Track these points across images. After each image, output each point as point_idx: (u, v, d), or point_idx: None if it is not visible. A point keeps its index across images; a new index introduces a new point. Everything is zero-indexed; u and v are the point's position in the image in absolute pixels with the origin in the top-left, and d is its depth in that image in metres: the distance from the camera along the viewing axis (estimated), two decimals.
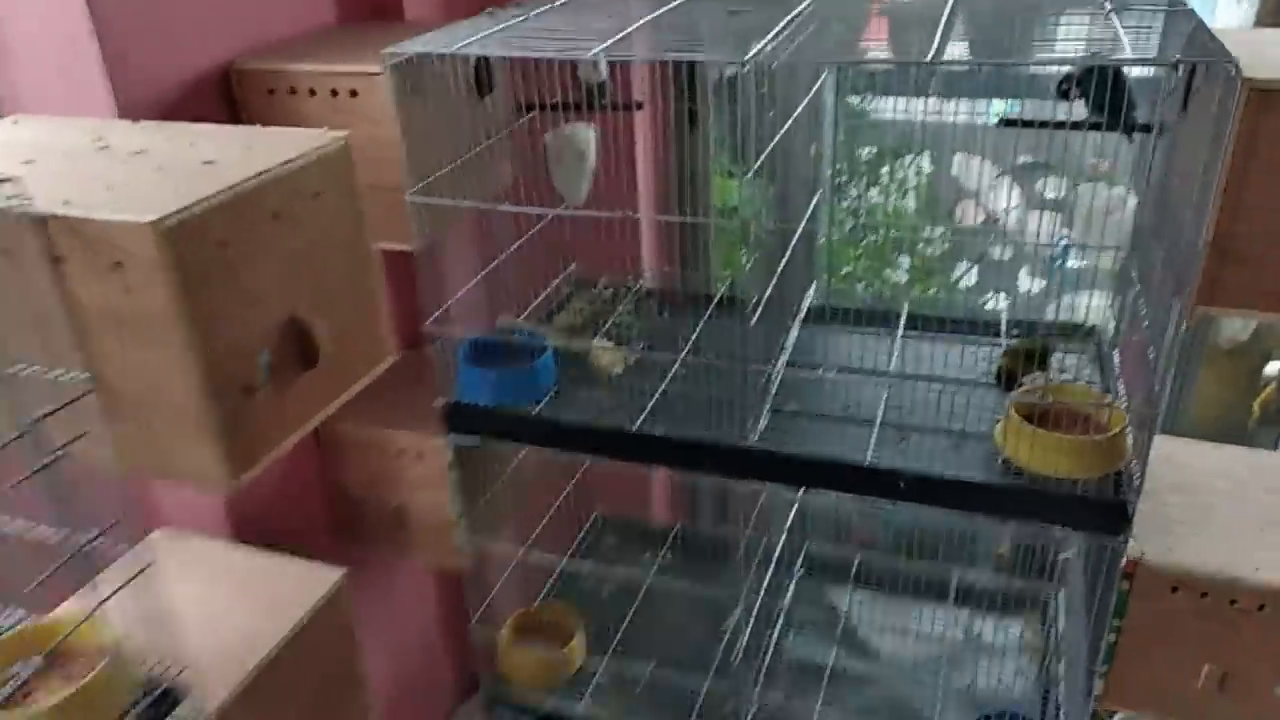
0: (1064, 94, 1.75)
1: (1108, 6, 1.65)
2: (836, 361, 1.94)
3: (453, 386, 1.85)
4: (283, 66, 1.68)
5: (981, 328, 2.04)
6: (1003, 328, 2.01)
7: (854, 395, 1.83)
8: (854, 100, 2.56)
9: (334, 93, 1.67)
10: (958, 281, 3.77)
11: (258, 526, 1.96)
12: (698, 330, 2.02)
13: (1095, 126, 1.77)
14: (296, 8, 1.85)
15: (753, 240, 1.64)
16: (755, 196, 1.69)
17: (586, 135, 2.07)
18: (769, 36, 1.52)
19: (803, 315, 2.10)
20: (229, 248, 1.24)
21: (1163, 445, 1.83)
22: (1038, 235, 1.72)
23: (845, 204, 2.71)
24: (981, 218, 3.94)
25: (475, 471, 1.99)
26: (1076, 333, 2.01)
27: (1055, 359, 1.82)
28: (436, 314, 1.78)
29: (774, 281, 1.74)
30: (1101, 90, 1.59)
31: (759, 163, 1.55)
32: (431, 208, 1.72)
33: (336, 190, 1.44)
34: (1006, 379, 1.76)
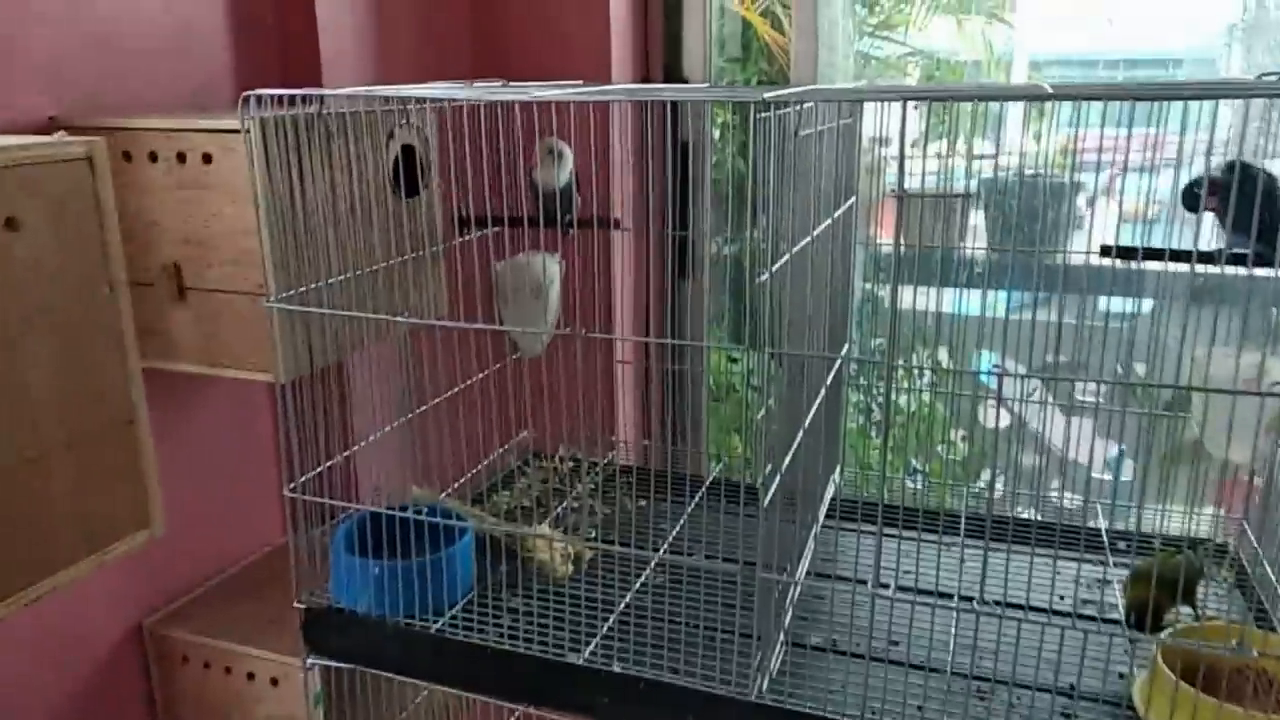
0: (1192, 204, 1.26)
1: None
2: (872, 573, 1.35)
3: (324, 583, 1.26)
4: (114, 123, 1.19)
5: (1068, 536, 1.47)
6: (1104, 537, 1.43)
7: (904, 625, 1.22)
8: (868, 286, 2.12)
9: (181, 158, 1.18)
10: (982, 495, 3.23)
11: None
12: (681, 521, 1.44)
13: (1237, 260, 1.26)
14: (173, 62, 1.39)
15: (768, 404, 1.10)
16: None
17: (549, 267, 1.57)
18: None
19: (825, 509, 1.52)
20: None
21: None
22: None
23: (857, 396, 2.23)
24: (1005, 420, 3.44)
25: (355, 709, 1.37)
26: (1201, 550, 1.43)
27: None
28: (304, 477, 1.21)
29: (791, 454, 1.18)
30: (1248, 201, 1.09)
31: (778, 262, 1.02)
32: (313, 326, 1.18)
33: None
34: (1137, 615, 1.16)
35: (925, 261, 1.66)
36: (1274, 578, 1.32)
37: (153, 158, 1.19)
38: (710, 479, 1.61)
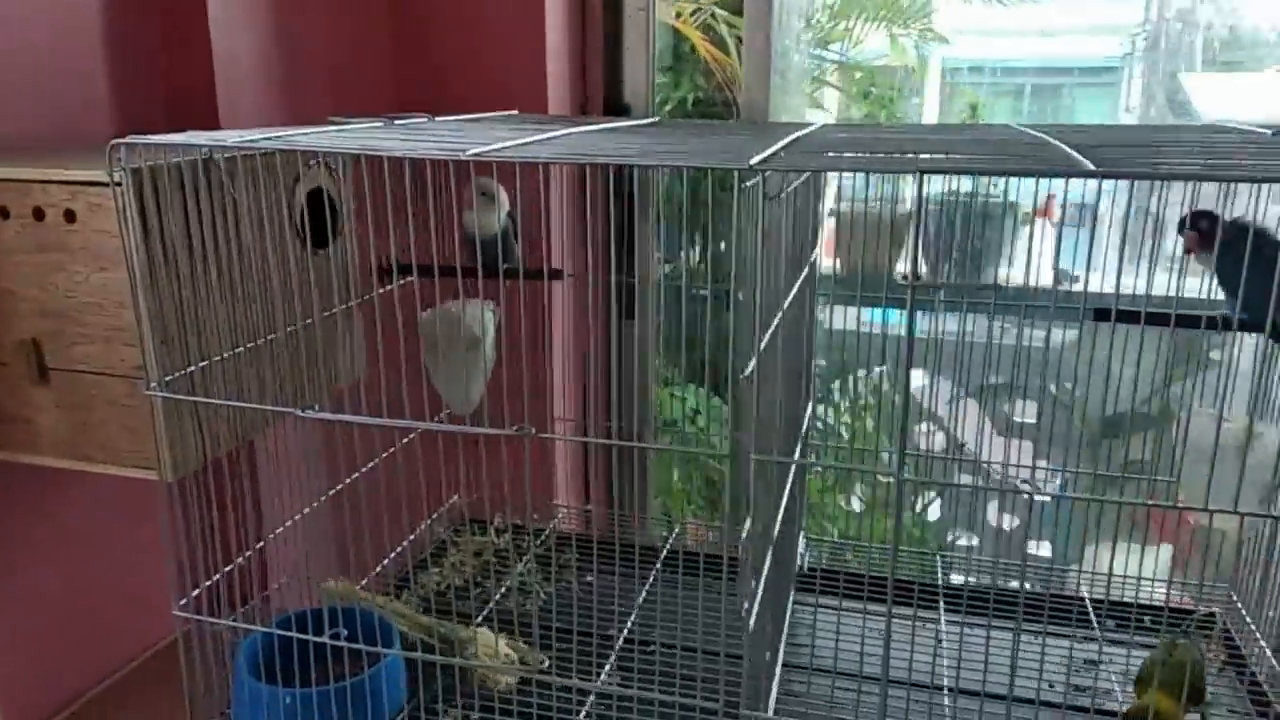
0: (1190, 246, 1.15)
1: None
2: (854, 661, 1.20)
3: (224, 710, 1.06)
4: None
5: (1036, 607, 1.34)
6: (1090, 612, 1.30)
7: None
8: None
9: (38, 214, 0.96)
10: (922, 513, 3.14)
11: None
12: (635, 607, 1.27)
13: (1251, 326, 1.15)
14: (35, 96, 1.16)
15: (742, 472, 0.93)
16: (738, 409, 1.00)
17: (482, 316, 1.39)
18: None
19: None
20: None
21: None
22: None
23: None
24: (941, 443, 3.37)
25: None
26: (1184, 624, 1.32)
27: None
28: (197, 590, 1.00)
29: (776, 532, 1.02)
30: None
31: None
32: (206, 411, 0.98)
33: None
34: None
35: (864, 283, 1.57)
36: (1270, 655, 1.22)
37: (3, 213, 0.97)
38: (664, 549, 1.44)
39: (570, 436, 1.03)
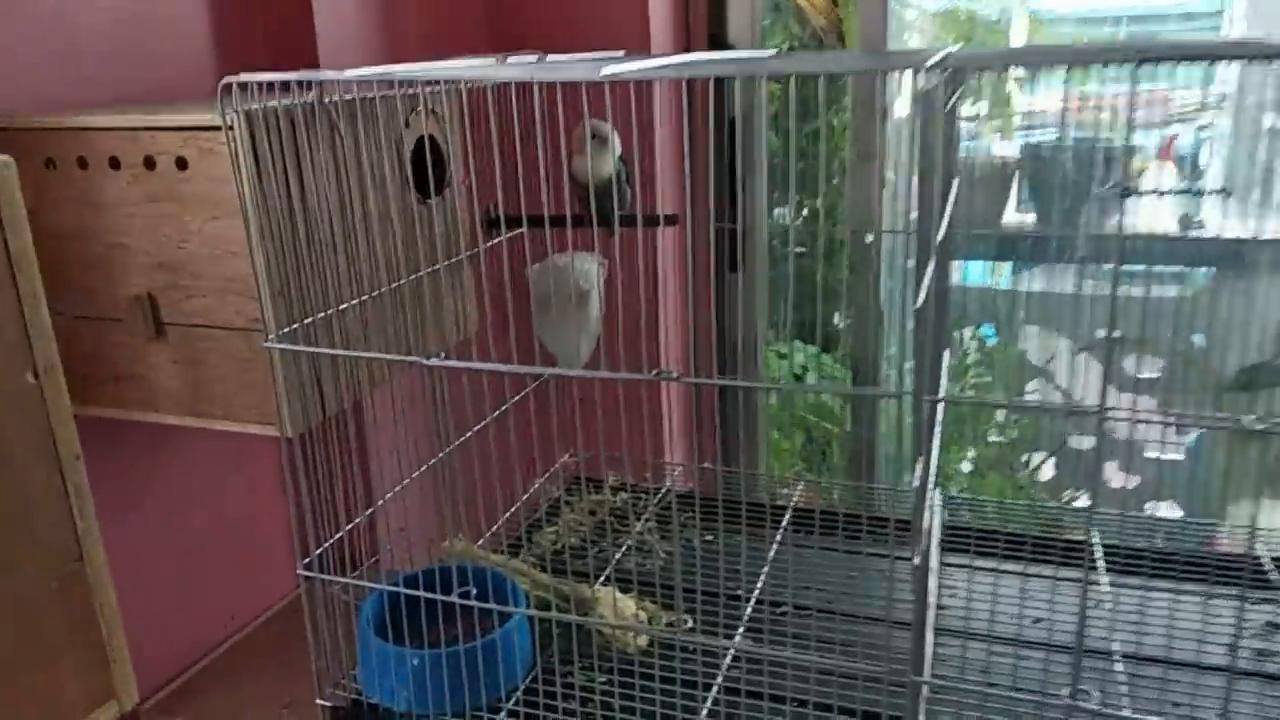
0: None
1: None
2: (1008, 625, 1.11)
3: (351, 670, 1.02)
4: (60, 122, 0.93)
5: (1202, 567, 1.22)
6: (1268, 569, 1.18)
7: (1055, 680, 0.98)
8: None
9: (149, 163, 0.92)
10: (1033, 473, 2.99)
11: None
12: (766, 565, 1.20)
13: None
14: (139, 46, 1.13)
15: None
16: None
17: (589, 269, 1.32)
18: None
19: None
20: None
21: None
22: None
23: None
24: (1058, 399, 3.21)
25: None
26: None
27: None
28: (320, 549, 0.96)
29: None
30: None
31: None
32: (324, 366, 0.94)
33: None
34: None
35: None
36: None
37: (114, 164, 0.94)
38: (790, 508, 1.36)
39: (714, 380, 0.96)
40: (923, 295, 0.73)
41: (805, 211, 2.25)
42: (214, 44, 1.21)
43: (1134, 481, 2.61)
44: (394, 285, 1.03)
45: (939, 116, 0.65)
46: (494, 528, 1.30)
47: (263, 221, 0.88)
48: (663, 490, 1.43)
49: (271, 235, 0.89)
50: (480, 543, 1.24)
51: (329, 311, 0.95)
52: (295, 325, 0.92)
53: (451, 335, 1.21)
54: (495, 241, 1.27)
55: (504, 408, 1.15)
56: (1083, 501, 2.69)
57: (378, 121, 1.01)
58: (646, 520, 1.37)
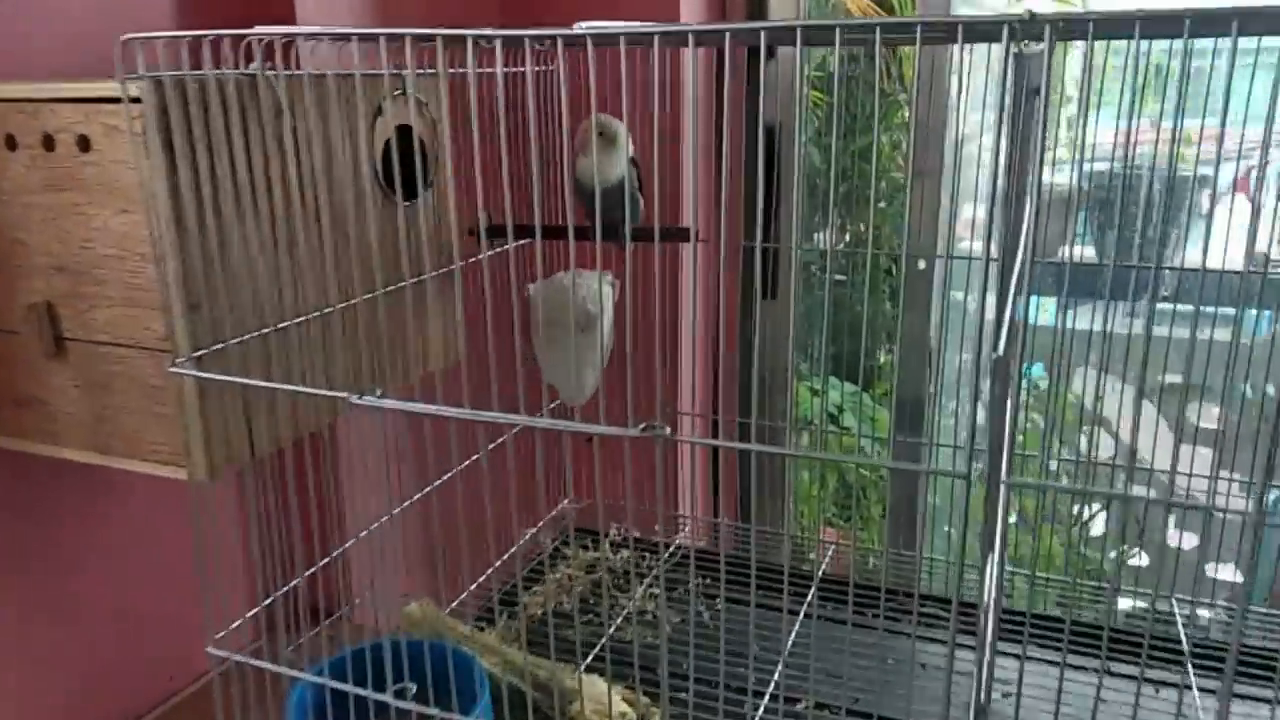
0: None
1: None
2: None
3: None
4: None
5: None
6: None
7: None
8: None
9: (48, 142, 0.75)
10: (1084, 525, 2.76)
11: None
12: (788, 648, 1.00)
13: None
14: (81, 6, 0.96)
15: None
16: None
17: (597, 289, 1.14)
18: None
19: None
20: None
21: None
22: None
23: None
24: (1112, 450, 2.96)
25: None
26: None
27: None
28: (236, 623, 0.78)
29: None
30: None
31: None
32: (255, 396, 0.76)
33: None
34: None
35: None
36: None
37: (10, 143, 0.77)
38: (816, 574, 1.16)
39: (722, 441, 0.78)
40: (1003, 339, 0.54)
41: (848, 236, 2.06)
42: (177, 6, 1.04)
43: (1191, 541, 2.35)
44: (351, 302, 0.85)
45: (1041, 80, 0.46)
46: (473, 585, 1.12)
47: (177, 216, 0.71)
48: (671, 547, 1.24)
49: (187, 233, 0.72)
50: (453, 605, 1.05)
51: (264, 330, 0.78)
52: (215, 346, 0.74)
53: (435, 361, 1.03)
54: (488, 254, 1.10)
55: (474, 458, 0.97)
56: (1144, 563, 2.45)
57: (343, 102, 0.83)
58: (649, 585, 1.18)
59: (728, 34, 0.60)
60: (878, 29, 0.58)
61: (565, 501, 1.29)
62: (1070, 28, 0.48)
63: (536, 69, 1.16)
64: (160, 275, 0.72)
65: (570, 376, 1.17)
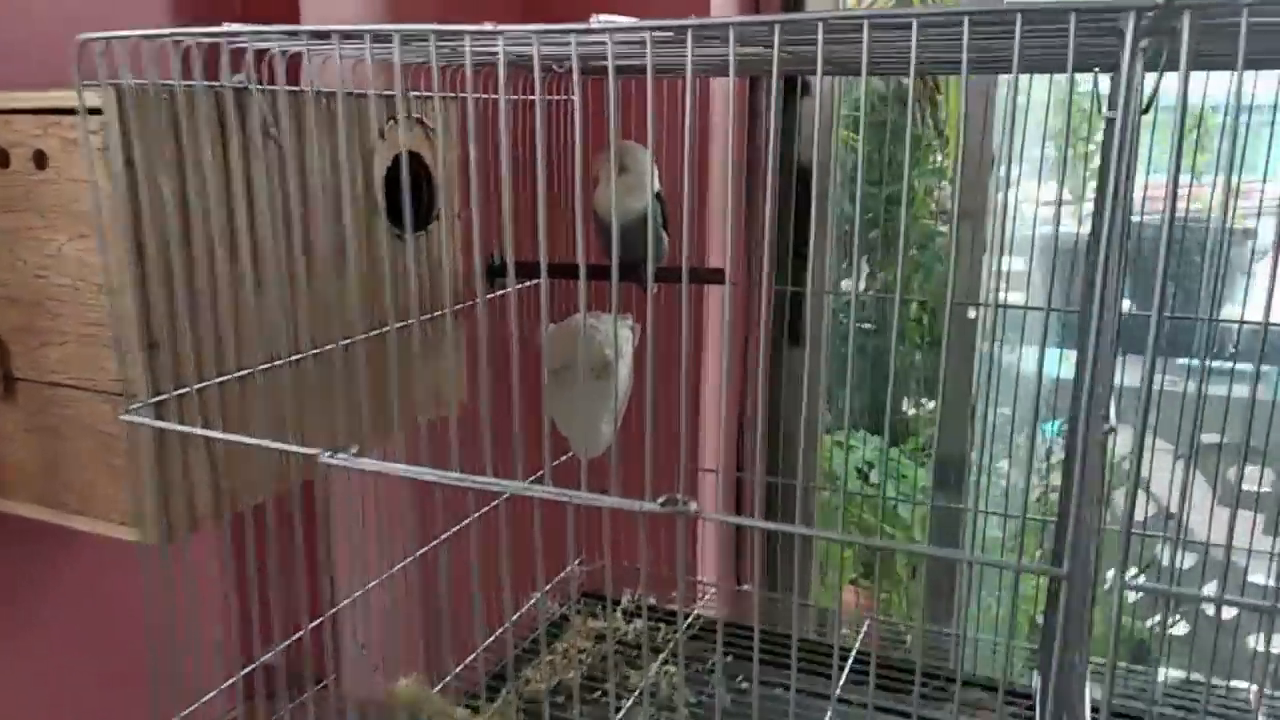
0: None
1: None
2: None
3: None
4: None
5: None
6: None
7: None
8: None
9: (2, 159, 0.66)
10: (1121, 593, 2.60)
11: None
12: None
13: None
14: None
15: None
16: None
17: (616, 334, 1.05)
18: None
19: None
20: None
21: None
22: None
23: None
24: (1152, 510, 2.83)
25: None
26: None
27: None
28: (191, 707, 0.68)
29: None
30: None
31: None
32: (221, 450, 0.66)
33: None
34: None
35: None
36: None
37: None
38: (853, 652, 1.05)
39: (750, 520, 0.67)
40: (1113, 413, 0.44)
41: (877, 282, 1.96)
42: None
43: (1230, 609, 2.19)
44: (340, 344, 0.76)
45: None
46: (469, 659, 1.01)
47: (138, 242, 0.62)
48: (689, 617, 1.13)
49: (148, 263, 0.63)
50: (446, 681, 0.95)
51: (235, 375, 0.69)
52: (177, 391, 0.65)
53: (425, 411, 0.94)
54: (500, 293, 1.01)
55: (466, 521, 0.87)
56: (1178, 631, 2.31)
57: (344, 123, 0.75)
58: (665, 660, 1.07)
59: (731, 28, 0.50)
60: (914, 21, 0.48)
61: (574, 563, 1.19)
62: (1214, 11, 0.38)
63: (554, 98, 1.08)
64: (115, 309, 0.63)
65: (583, 428, 1.07)
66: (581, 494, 0.54)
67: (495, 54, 0.52)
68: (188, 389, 0.66)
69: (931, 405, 2.00)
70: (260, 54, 0.60)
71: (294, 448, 0.60)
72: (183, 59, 0.61)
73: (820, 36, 0.50)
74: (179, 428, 0.63)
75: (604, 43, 0.50)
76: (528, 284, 1.03)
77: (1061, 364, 1.25)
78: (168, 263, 0.64)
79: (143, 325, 0.63)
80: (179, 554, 0.66)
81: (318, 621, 0.83)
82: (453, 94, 0.89)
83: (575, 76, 0.52)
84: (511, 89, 1.01)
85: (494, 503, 0.84)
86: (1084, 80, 0.94)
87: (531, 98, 1.02)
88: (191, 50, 0.60)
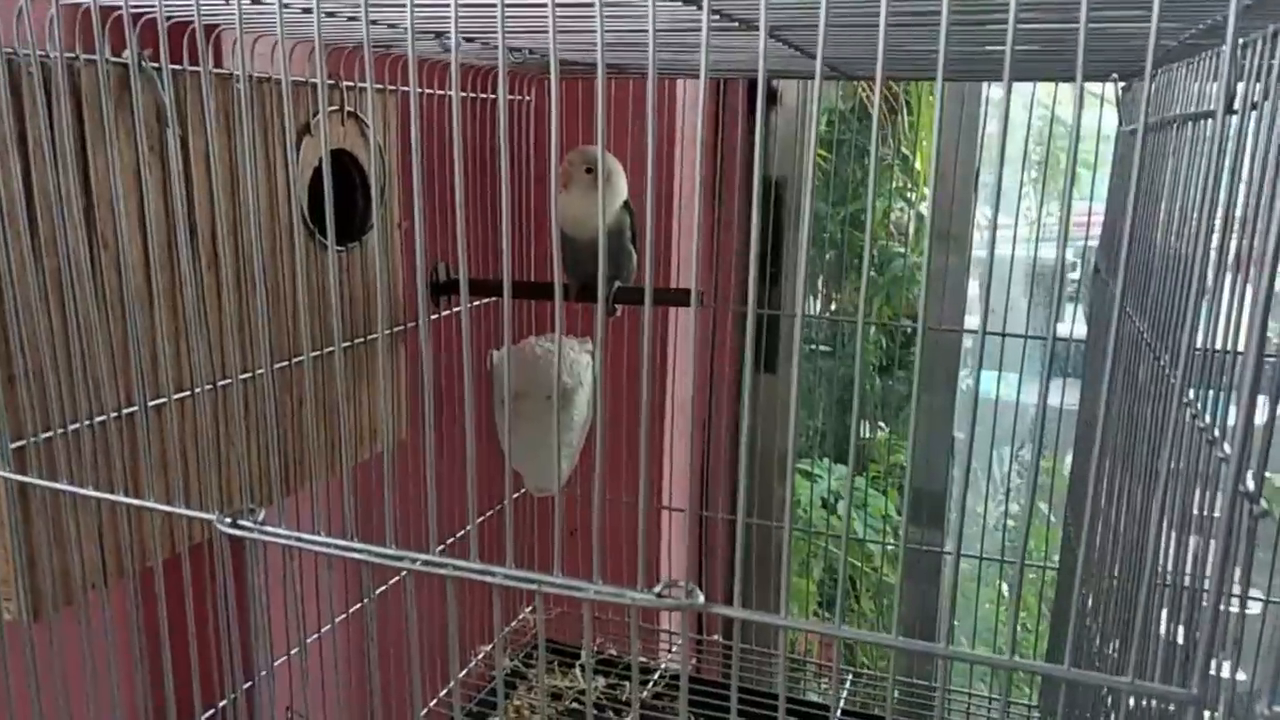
0: None
1: None
2: None
3: None
4: None
5: None
6: None
7: None
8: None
9: None
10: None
11: None
12: None
13: None
14: None
15: None
16: None
17: (573, 359, 0.95)
18: None
19: None
20: None
21: None
22: None
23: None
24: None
25: None
26: None
27: None
28: None
29: None
30: None
31: None
32: (97, 504, 0.53)
33: None
34: None
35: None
36: None
37: None
38: (837, 710, 0.94)
39: (739, 612, 0.57)
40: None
41: (833, 305, 1.87)
42: None
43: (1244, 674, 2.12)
44: (253, 374, 0.64)
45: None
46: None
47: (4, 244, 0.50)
48: (655, 674, 1.01)
49: (11, 271, 0.50)
50: None
51: (121, 412, 0.56)
52: (46, 435, 0.52)
53: (363, 442, 0.82)
54: (443, 314, 0.89)
55: (377, 593, 0.74)
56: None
57: (255, 113, 0.63)
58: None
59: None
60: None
61: (527, 610, 1.07)
62: None
63: (515, 98, 0.97)
64: None
65: (538, 461, 0.96)
66: (554, 579, 0.42)
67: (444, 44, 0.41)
68: (62, 430, 0.53)
69: (889, 430, 1.92)
70: (179, 29, 0.48)
71: (183, 510, 0.47)
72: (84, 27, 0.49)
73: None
74: (41, 482, 0.50)
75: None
76: (479, 303, 0.92)
77: (1062, 394, 1.15)
78: (41, 270, 0.51)
79: (13, 355, 0.50)
80: (45, 633, 0.53)
81: (231, 699, 0.70)
82: (391, 86, 0.78)
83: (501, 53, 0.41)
84: (462, 85, 0.90)
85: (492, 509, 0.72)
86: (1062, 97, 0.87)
87: (486, 96, 0.91)
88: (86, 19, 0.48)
